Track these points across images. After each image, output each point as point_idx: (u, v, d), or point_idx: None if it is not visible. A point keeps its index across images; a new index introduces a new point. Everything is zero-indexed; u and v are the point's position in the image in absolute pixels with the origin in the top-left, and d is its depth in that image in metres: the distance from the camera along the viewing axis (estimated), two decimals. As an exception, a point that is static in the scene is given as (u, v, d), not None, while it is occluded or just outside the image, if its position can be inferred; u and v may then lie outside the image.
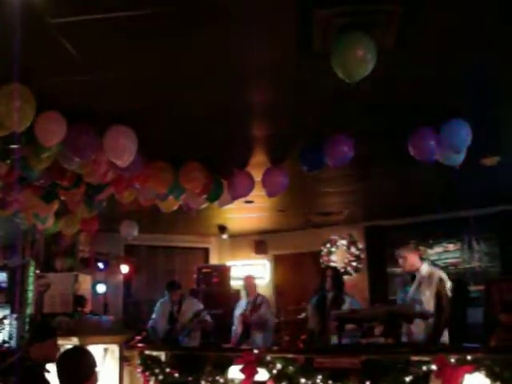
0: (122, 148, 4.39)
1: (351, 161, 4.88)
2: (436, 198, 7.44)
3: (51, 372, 4.01)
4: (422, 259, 5.75)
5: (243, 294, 7.23)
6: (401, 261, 5.49)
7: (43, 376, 4.06)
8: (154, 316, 6.85)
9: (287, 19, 3.14)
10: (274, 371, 4.42)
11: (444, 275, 5.31)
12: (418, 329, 5.04)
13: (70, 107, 4.12)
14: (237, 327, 6.88)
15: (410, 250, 5.49)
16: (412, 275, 5.43)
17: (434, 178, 6.13)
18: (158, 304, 6.96)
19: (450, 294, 5.14)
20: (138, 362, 5.63)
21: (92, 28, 3.17)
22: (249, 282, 7.16)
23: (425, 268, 5.39)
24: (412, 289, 5.34)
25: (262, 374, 4.48)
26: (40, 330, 4.61)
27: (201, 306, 6.72)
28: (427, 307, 5.06)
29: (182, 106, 4.37)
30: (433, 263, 8.01)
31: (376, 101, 4.27)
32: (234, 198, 5.67)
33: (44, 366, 4.34)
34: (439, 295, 5.16)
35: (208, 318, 6.65)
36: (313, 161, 5.05)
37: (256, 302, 6.86)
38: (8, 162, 4.71)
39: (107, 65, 3.66)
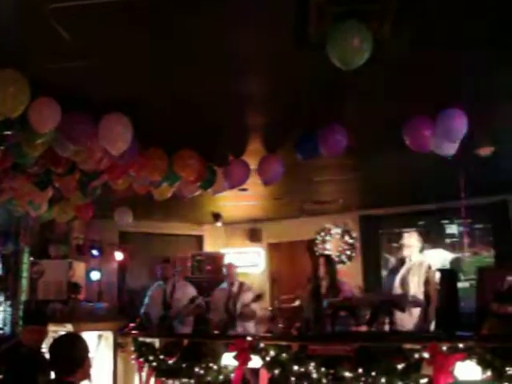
0: (116, 136, 4.38)
1: (346, 150, 4.88)
2: (430, 187, 7.46)
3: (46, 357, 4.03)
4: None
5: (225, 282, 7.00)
6: (406, 250, 5.46)
7: (35, 361, 4.08)
8: (146, 301, 6.76)
9: (284, 8, 3.12)
10: (268, 358, 4.44)
11: (433, 264, 5.35)
12: (405, 318, 5.07)
13: (65, 94, 4.09)
14: (212, 315, 6.74)
15: (416, 239, 5.50)
16: (401, 261, 5.46)
17: (429, 168, 6.14)
18: (150, 290, 6.87)
19: (438, 282, 5.17)
20: (132, 348, 5.64)
21: (87, 14, 3.14)
22: (230, 269, 6.96)
23: (415, 255, 5.42)
24: (400, 274, 5.37)
25: (256, 361, 4.51)
26: (24, 316, 4.67)
27: (194, 290, 6.69)
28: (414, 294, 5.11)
29: (178, 94, 4.35)
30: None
31: (371, 90, 4.27)
32: (231, 186, 5.65)
33: (38, 351, 4.37)
34: (428, 283, 5.19)
35: (202, 303, 6.64)
36: (308, 149, 5.05)
37: (240, 290, 6.74)
38: (1, 148, 4.68)
39: (102, 51, 3.63)
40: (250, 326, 6.59)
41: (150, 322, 6.41)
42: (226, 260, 9.47)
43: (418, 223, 8.66)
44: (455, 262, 8.38)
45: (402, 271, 5.37)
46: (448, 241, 8.73)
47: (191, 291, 6.69)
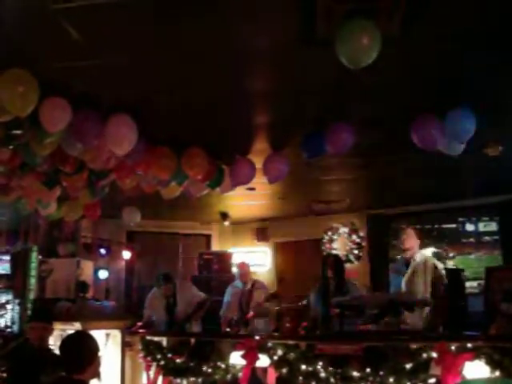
0: (121, 137, 4.40)
1: (353, 149, 4.87)
2: (439, 186, 7.44)
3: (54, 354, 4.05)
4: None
5: (237, 280, 7.02)
6: (408, 252, 5.44)
7: (40, 358, 4.11)
8: (147, 305, 6.65)
9: (290, 5, 3.12)
10: (275, 357, 4.44)
11: (438, 263, 5.32)
12: (414, 318, 5.05)
13: (74, 93, 4.12)
14: (225, 312, 6.75)
15: (412, 233, 5.48)
16: (406, 262, 5.44)
17: (437, 167, 6.12)
18: (149, 296, 6.74)
19: (445, 281, 5.14)
20: (140, 347, 5.65)
21: (95, 13, 3.16)
22: (243, 269, 6.96)
23: (419, 255, 5.40)
24: (406, 276, 5.35)
25: (263, 360, 4.51)
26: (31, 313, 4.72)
27: (196, 292, 6.70)
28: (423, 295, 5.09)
29: (185, 93, 4.36)
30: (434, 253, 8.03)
31: (379, 88, 4.26)
32: (236, 184, 5.65)
33: (45, 348, 4.39)
34: (435, 283, 5.17)
35: (208, 302, 6.65)
36: (313, 148, 5.03)
37: (252, 289, 6.77)
38: (11, 147, 4.71)
39: (111, 50, 3.64)
40: (262, 324, 6.60)
41: (157, 328, 6.29)
42: (234, 259, 9.48)
43: (426, 222, 8.65)
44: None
45: (408, 273, 5.35)
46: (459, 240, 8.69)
47: (193, 290, 6.67)
